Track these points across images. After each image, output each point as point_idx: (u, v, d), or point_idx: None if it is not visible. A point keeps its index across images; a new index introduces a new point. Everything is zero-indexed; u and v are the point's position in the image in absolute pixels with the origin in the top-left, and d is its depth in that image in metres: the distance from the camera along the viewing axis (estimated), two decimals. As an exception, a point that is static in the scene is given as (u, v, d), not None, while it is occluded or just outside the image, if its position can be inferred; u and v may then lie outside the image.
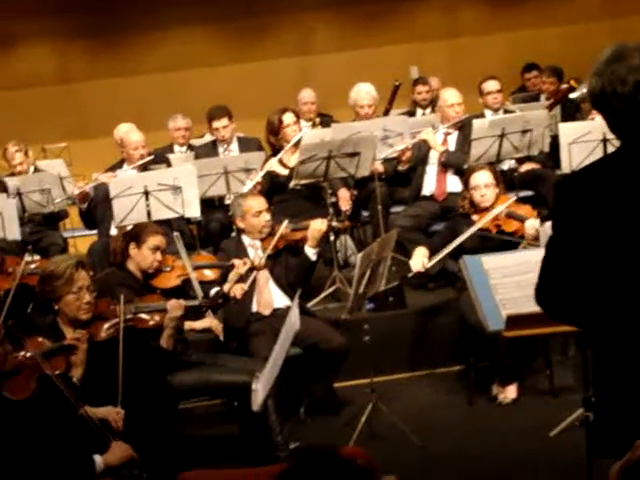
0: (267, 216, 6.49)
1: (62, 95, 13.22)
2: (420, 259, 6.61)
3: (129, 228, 6.39)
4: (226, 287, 6.06)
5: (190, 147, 9.76)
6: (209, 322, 6.00)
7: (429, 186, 8.07)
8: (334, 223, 6.67)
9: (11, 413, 4.29)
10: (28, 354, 4.73)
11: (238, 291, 6.07)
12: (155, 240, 5.88)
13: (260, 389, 4.65)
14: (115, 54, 13.28)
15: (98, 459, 4.33)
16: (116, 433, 4.59)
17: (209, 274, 6.34)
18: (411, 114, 9.66)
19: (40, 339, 4.90)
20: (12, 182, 8.44)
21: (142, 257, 5.84)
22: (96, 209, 7.98)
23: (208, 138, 10.05)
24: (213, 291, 6.22)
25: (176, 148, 9.71)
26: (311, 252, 6.39)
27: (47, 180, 8.45)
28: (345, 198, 7.96)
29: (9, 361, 4.51)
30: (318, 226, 6.42)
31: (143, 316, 5.42)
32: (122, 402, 4.74)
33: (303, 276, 6.41)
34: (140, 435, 4.68)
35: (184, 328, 5.82)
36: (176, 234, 6.29)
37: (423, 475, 5.23)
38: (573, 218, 2.86)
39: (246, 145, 8.70)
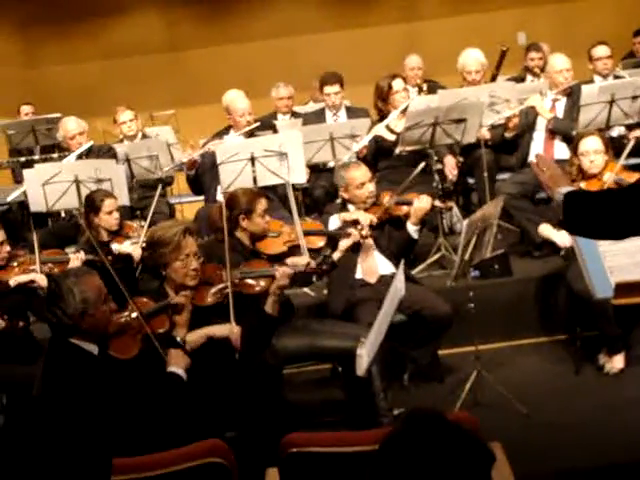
0: (371, 187, 6.44)
1: (170, 62, 13.40)
2: (564, 233, 6.39)
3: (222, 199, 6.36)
4: (335, 255, 6.03)
5: (294, 114, 9.79)
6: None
7: (536, 153, 7.93)
8: (437, 203, 6.60)
9: (117, 372, 4.35)
10: (133, 314, 4.82)
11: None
12: (262, 205, 5.94)
13: (365, 354, 4.65)
14: (223, 21, 13.38)
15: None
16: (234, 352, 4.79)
17: (316, 241, 6.35)
18: (520, 80, 9.51)
19: (145, 299, 4.99)
20: (121, 149, 8.59)
21: (255, 225, 5.91)
22: (203, 175, 8.06)
23: (312, 106, 10.09)
24: (319, 258, 6.23)
25: (279, 117, 9.75)
26: (413, 229, 6.33)
27: (155, 147, 8.57)
28: (451, 165, 7.93)
29: (115, 321, 4.59)
30: (422, 205, 6.34)
31: (249, 282, 5.45)
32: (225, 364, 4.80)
33: (403, 251, 6.35)
34: (244, 399, 4.73)
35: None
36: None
37: (527, 444, 5.19)
38: None
39: (354, 114, 8.70)
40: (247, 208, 5.91)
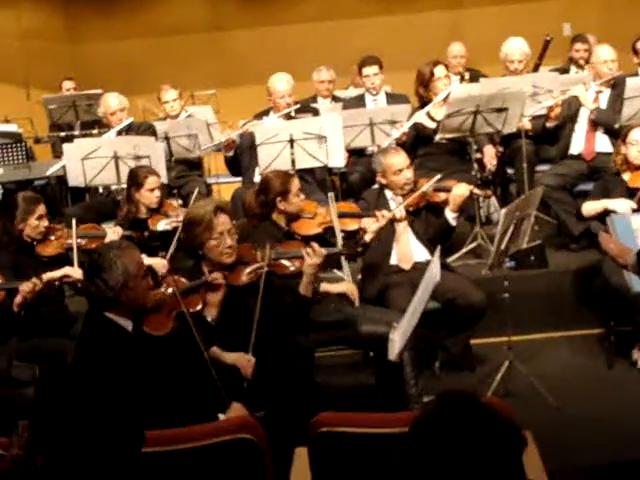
0: (408, 173, 6.40)
1: (212, 43, 13.43)
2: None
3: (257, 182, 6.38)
4: (367, 237, 6.03)
5: (334, 98, 9.78)
6: (345, 286, 5.98)
7: (577, 145, 7.88)
8: (476, 190, 6.56)
9: (150, 348, 4.37)
10: (169, 290, 4.84)
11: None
12: (296, 184, 5.96)
13: (397, 339, 4.64)
14: (267, 3, 13.41)
15: (221, 417, 4.31)
16: (244, 380, 4.65)
17: (350, 223, 6.35)
18: (564, 71, 9.44)
19: (178, 278, 4.99)
20: (161, 126, 8.61)
21: (292, 205, 5.93)
22: (241, 156, 8.07)
23: (352, 91, 10.08)
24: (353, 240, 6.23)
25: (320, 100, 9.74)
26: (451, 216, 6.30)
27: (195, 126, 8.59)
28: (490, 154, 7.90)
29: (151, 297, 4.62)
30: (461, 191, 6.31)
31: (283, 262, 5.45)
32: (255, 347, 4.79)
33: (440, 237, 6.31)
34: (275, 379, 4.73)
35: (319, 290, 5.81)
36: (330, 195, 6.35)
37: (558, 436, 5.15)
38: None
39: (394, 100, 8.69)
40: (283, 189, 5.93)
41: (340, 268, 6.59)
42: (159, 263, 6.03)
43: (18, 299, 5.61)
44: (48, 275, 6.05)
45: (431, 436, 2.12)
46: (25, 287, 5.62)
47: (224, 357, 4.74)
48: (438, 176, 6.42)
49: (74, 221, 6.46)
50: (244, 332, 4.81)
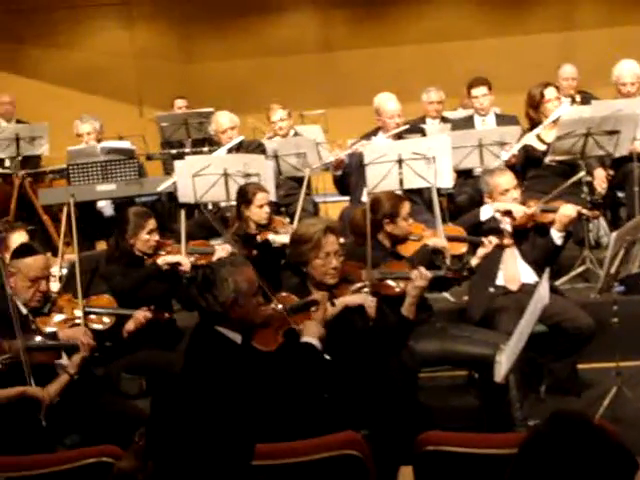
0: (515, 194, 6.38)
1: (323, 63, 13.53)
2: None
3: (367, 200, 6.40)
4: (473, 262, 6.01)
5: (443, 119, 9.78)
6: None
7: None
8: (584, 211, 6.50)
9: (259, 364, 4.41)
10: (278, 307, 4.88)
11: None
12: (406, 209, 5.98)
13: (504, 361, 4.60)
14: (377, 24, 13.45)
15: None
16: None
17: (457, 247, 6.33)
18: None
19: (288, 294, 5.04)
20: (270, 145, 8.71)
21: (399, 229, 5.96)
22: (349, 176, 8.12)
23: (461, 112, 10.06)
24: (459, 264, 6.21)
25: (429, 121, 9.76)
26: (557, 235, 6.23)
27: (304, 144, 8.67)
28: (601, 177, 7.79)
29: (260, 313, 4.62)
30: (568, 212, 6.25)
31: (388, 282, 5.47)
32: (359, 366, 4.79)
33: (547, 257, 6.26)
34: (378, 399, 4.73)
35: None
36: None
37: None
38: None
39: (503, 121, 8.66)
40: (392, 212, 5.95)
41: (444, 290, 6.59)
42: None
43: (130, 327, 5.71)
44: (164, 259, 6.24)
45: (544, 456, 2.11)
46: (139, 316, 5.72)
47: (347, 300, 4.95)
48: (550, 195, 6.39)
49: (183, 237, 6.58)
50: (348, 350, 4.83)
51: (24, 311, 5.22)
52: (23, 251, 5.47)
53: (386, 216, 5.94)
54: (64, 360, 5.10)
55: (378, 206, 5.99)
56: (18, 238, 6.69)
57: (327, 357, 4.64)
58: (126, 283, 6.19)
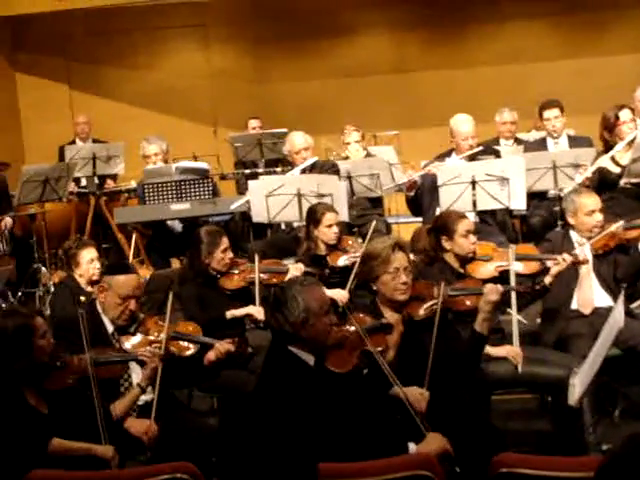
0: (599, 216, 6.31)
1: (397, 84, 13.55)
2: None
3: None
4: (547, 280, 5.97)
5: (517, 140, 9.76)
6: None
7: None
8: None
9: (332, 384, 4.39)
10: (352, 328, 4.85)
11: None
12: (464, 225, 5.95)
13: (578, 384, 4.56)
14: (451, 46, 13.45)
15: (412, 447, 4.20)
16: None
17: (530, 266, 6.28)
18: None
19: (362, 315, 5.02)
20: (344, 165, 8.74)
21: (458, 246, 5.94)
22: (422, 197, 8.11)
23: (535, 133, 10.02)
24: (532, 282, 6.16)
25: (502, 142, 9.75)
26: None
27: (377, 165, 8.70)
28: (679, 201, 7.71)
29: (334, 334, 4.60)
30: None
31: (459, 299, 5.46)
32: (431, 384, 4.76)
33: (633, 272, 6.22)
34: (450, 419, 4.70)
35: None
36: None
37: None
38: None
39: (576, 143, 8.61)
40: (448, 228, 5.94)
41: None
42: (339, 294, 6.14)
43: (211, 357, 5.66)
44: (232, 312, 6.23)
45: (620, 477, 2.09)
46: (221, 348, 5.67)
47: (403, 392, 4.73)
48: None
49: (257, 256, 6.61)
50: (420, 369, 4.79)
51: (110, 328, 5.27)
52: (117, 268, 5.52)
53: (443, 232, 5.94)
54: (135, 376, 5.15)
55: (437, 223, 6.05)
56: (87, 254, 6.80)
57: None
58: (199, 319, 6.13)
